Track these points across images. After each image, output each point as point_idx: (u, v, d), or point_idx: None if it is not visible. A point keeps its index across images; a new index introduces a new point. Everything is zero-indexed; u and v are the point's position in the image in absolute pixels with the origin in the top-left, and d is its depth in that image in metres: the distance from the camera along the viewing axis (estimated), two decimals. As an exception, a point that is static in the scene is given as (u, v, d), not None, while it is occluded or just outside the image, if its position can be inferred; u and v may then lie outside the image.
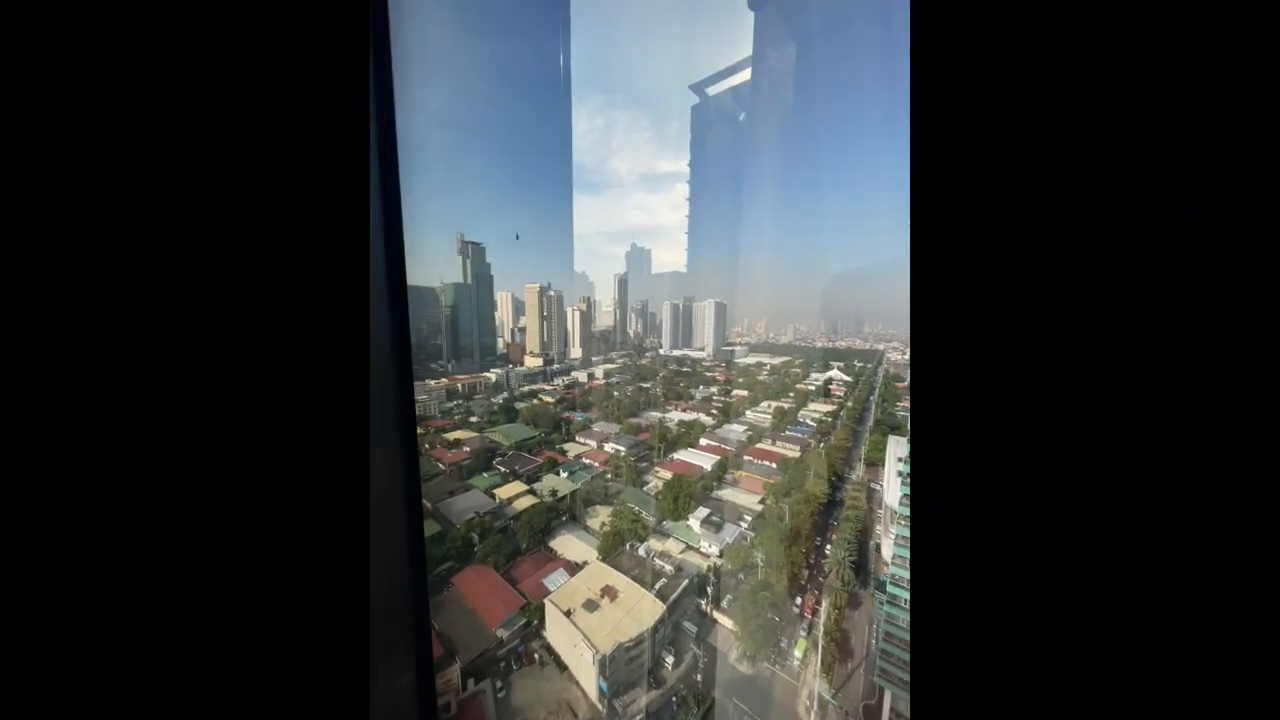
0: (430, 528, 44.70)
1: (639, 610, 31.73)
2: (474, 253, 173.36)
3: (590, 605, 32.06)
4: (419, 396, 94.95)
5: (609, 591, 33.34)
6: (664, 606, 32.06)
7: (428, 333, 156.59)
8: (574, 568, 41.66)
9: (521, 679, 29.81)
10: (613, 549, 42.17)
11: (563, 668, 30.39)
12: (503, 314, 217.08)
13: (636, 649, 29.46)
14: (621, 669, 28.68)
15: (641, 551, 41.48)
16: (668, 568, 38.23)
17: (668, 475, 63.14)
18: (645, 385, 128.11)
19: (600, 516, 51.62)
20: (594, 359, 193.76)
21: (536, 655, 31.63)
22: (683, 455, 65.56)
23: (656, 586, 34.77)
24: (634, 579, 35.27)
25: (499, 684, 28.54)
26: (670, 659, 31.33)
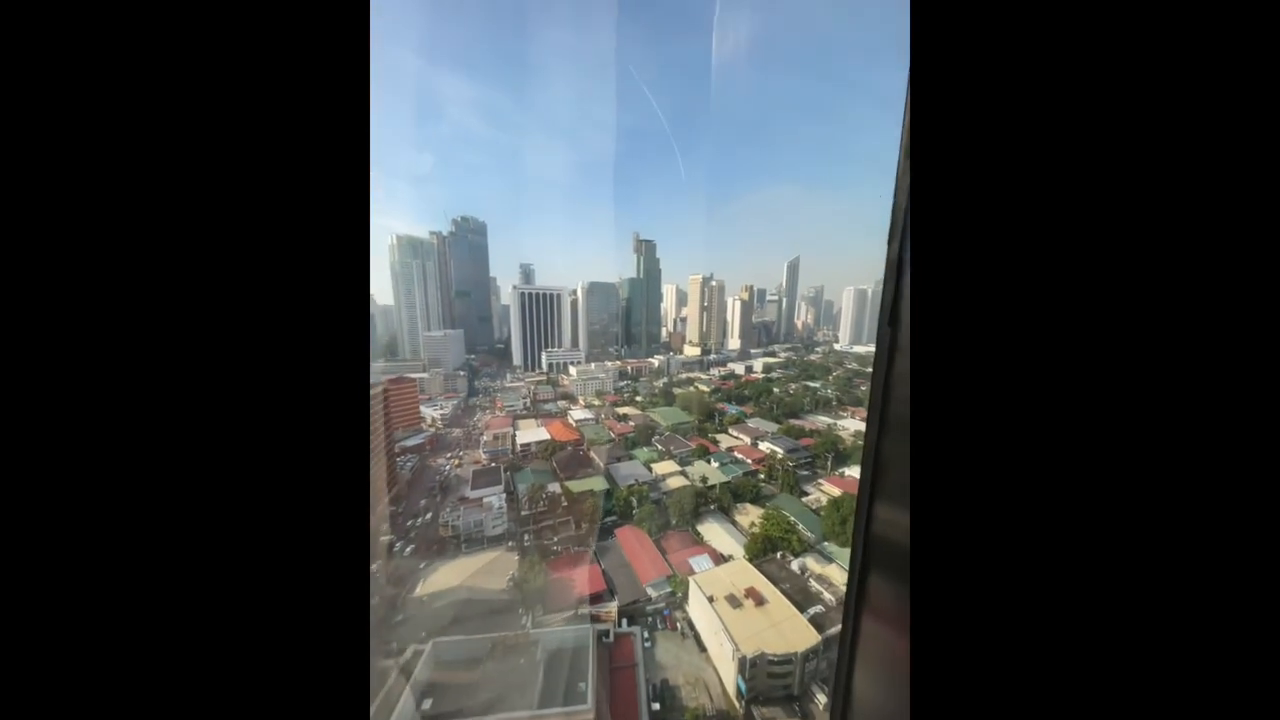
0: (599, 484, 54.05)
1: (788, 629, 29.12)
2: (646, 250, 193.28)
3: (733, 601, 31.61)
4: (598, 375, 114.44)
5: (754, 595, 31.94)
6: (819, 637, 28.28)
7: (607, 321, 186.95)
8: (719, 557, 41.99)
9: (665, 640, 32.59)
10: (761, 553, 40.01)
11: (702, 648, 31.42)
12: (668, 305, 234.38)
13: (783, 668, 27.26)
14: (763, 680, 27.24)
15: (795, 566, 37.59)
16: (827, 595, 33.36)
17: (836, 491, 55.71)
18: (813, 384, 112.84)
19: (750, 515, 49.94)
20: (753, 350, 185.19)
21: (679, 625, 33.80)
22: (857, 473, 55.11)
23: (811, 612, 30.93)
24: (783, 593, 32.46)
25: (646, 634, 32.18)
26: (824, 699, 27.56)
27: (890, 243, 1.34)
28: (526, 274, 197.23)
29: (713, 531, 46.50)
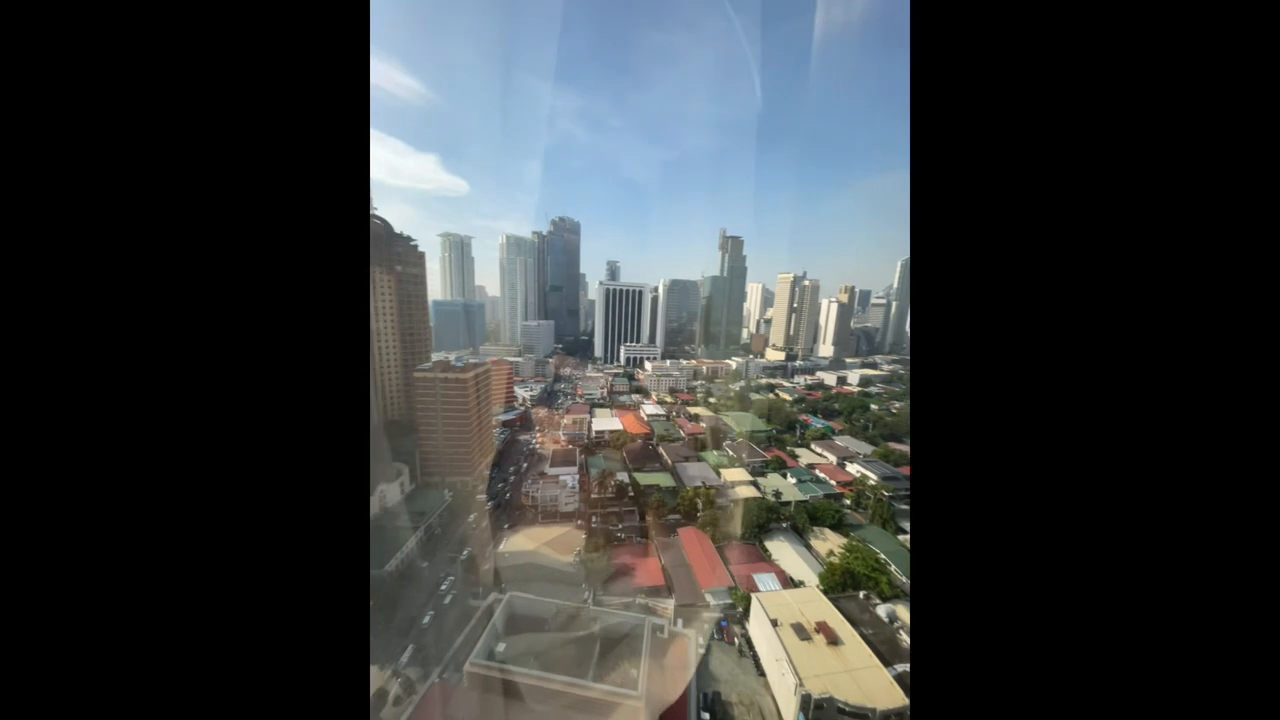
0: (666, 480, 54.21)
1: (866, 680, 25.45)
2: (732, 246, 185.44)
3: (801, 631, 28.84)
4: (672, 372, 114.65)
5: (826, 631, 28.65)
6: (906, 700, 24.08)
7: (685, 319, 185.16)
8: (787, 580, 38.70)
9: (720, 652, 31.43)
10: (839, 587, 35.62)
11: (761, 672, 29.47)
12: (751, 305, 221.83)
13: (853, 720, 23.99)
14: (829, 727, 24.36)
15: (881, 612, 32.56)
16: (921, 655, 28.12)
17: (943, 534, 46.12)
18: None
19: (828, 542, 44.82)
20: (848, 360, 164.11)
21: (737, 641, 32.24)
22: (978, 517, 44.86)
23: (898, 669, 26.49)
24: (864, 638, 28.42)
25: (701, 641, 31.45)
26: (904, 771, 23.48)
27: None
28: (613, 271, 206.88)
29: (782, 551, 43.00)
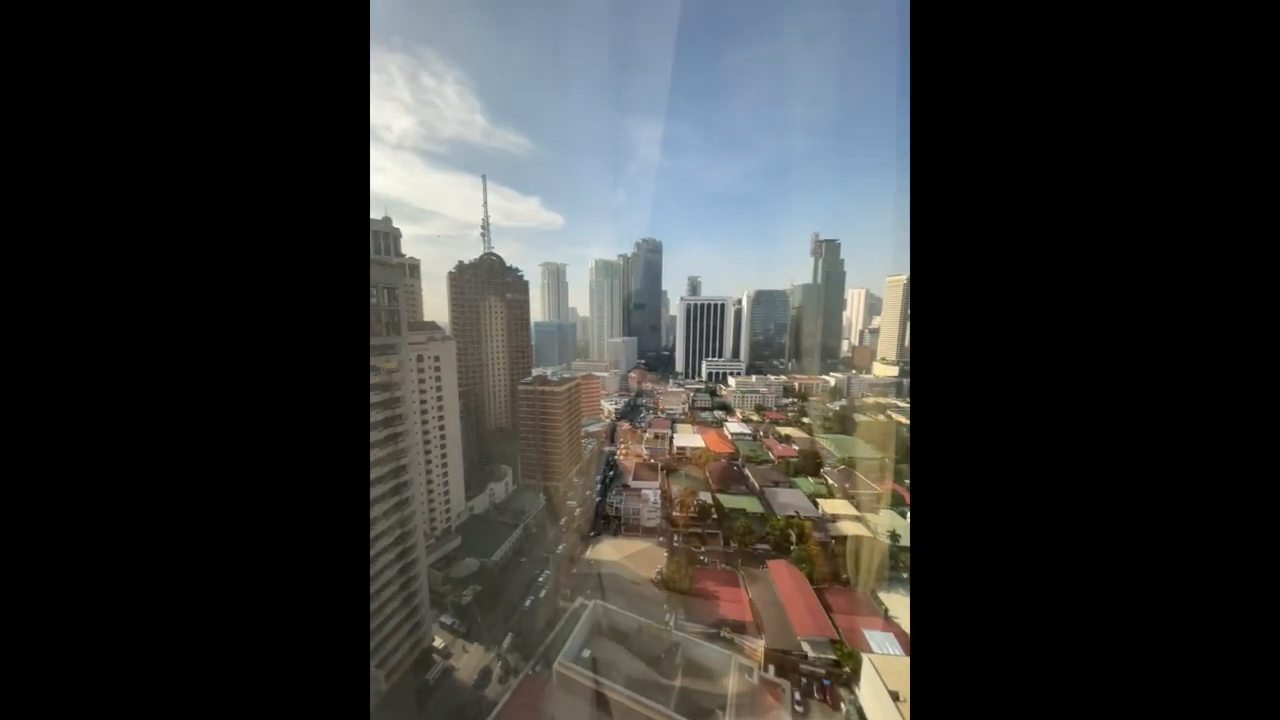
0: (753, 505, 50.10)
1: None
2: (827, 251, 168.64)
3: (933, 715, 23.02)
4: (759, 389, 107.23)
5: (972, 724, 22.28)
6: None
7: (774, 332, 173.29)
8: (908, 643, 31.63)
9: (820, 716, 27.00)
10: (990, 668, 27.55)
11: (877, 754, 24.26)
12: (852, 313, 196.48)
13: None
14: None
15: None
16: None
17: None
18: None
19: (970, 606, 35.27)
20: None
21: (844, 708, 27.33)
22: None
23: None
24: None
25: (797, 695, 27.53)
26: None
27: None
28: (694, 286, 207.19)
29: (903, 607, 35.50)
